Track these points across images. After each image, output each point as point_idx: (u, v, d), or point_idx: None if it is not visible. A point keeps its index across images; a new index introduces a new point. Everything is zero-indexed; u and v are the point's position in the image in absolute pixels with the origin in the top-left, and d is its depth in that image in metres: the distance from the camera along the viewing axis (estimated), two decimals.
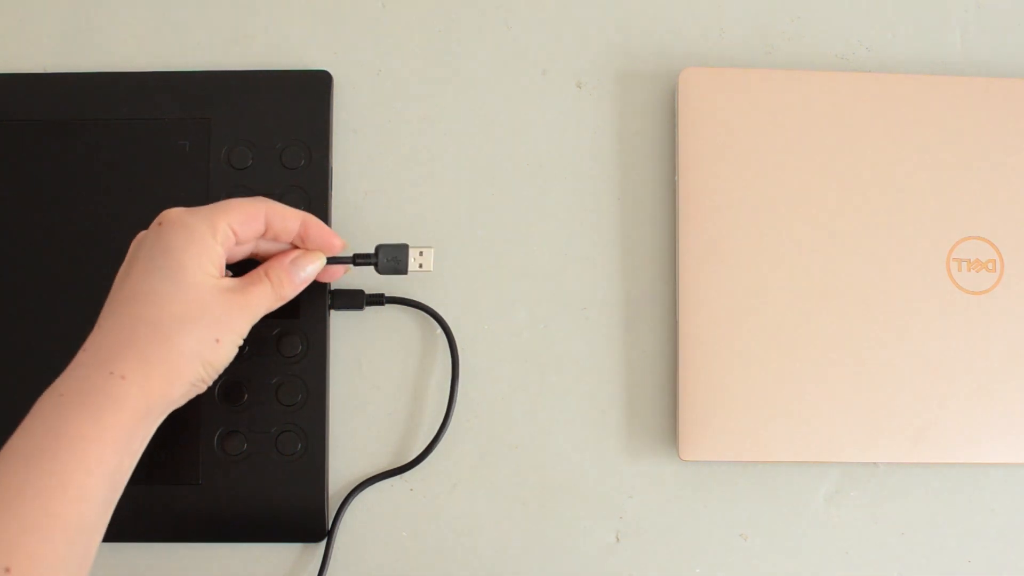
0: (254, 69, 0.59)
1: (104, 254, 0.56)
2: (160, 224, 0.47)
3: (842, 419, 0.55)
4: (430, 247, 0.53)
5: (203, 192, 0.56)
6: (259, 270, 0.49)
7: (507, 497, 0.56)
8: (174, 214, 0.47)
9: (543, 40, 0.60)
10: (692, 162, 0.56)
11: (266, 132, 0.57)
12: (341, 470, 0.56)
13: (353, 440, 0.56)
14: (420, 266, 0.53)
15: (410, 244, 0.53)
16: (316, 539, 0.55)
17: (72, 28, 0.60)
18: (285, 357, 0.55)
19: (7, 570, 0.39)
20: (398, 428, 0.57)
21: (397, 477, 0.56)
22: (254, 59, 0.60)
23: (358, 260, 0.52)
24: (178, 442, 0.55)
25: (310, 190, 0.57)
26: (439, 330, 0.57)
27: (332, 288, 0.56)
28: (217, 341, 0.46)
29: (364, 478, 0.56)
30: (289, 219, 0.50)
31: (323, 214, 0.56)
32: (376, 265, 0.52)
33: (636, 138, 0.59)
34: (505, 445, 0.57)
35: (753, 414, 0.54)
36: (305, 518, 0.55)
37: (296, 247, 0.51)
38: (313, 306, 0.55)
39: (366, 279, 0.56)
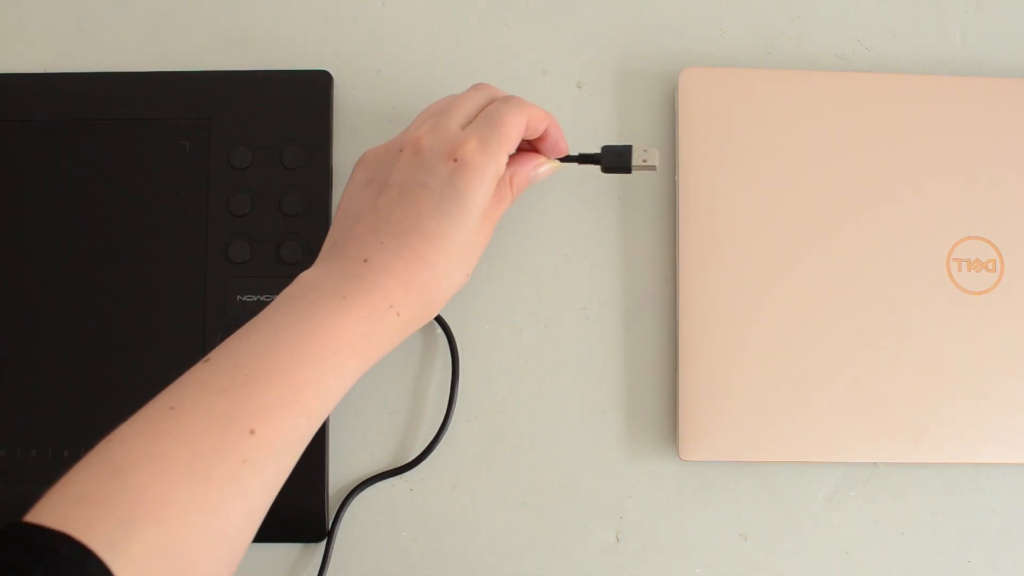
0: (254, 69, 0.59)
1: (105, 254, 0.56)
2: (456, 161, 0.47)
3: (842, 419, 0.55)
4: (655, 147, 0.54)
5: (203, 192, 0.56)
6: (505, 182, 0.50)
7: (507, 497, 0.56)
8: (472, 155, 0.47)
9: (543, 40, 0.60)
10: (692, 162, 0.56)
11: (266, 132, 0.57)
12: (341, 470, 0.56)
13: (353, 440, 0.56)
14: (644, 161, 0.53)
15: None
16: (316, 539, 0.55)
17: (72, 28, 0.60)
18: None
19: (252, 432, 0.40)
20: (398, 428, 0.57)
21: (397, 477, 0.56)
22: (254, 59, 0.60)
23: (584, 159, 0.54)
24: None
25: (310, 190, 0.57)
26: (439, 330, 0.57)
27: None
28: (467, 276, 0.49)
29: (364, 478, 0.56)
30: (540, 125, 0.51)
31: (323, 214, 0.57)
32: (601, 164, 0.53)
33: (636, 138, 0.59)
34: (505, 445, 0.57)
35: (753, 414, 0.54)
36: (305, 518, 0.55)
37: (530, 146, 0.53)
38: None
39: None
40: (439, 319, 0.57)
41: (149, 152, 0.57)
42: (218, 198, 0.56)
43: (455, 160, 0.47)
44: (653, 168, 0.53)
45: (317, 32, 0.60)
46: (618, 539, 0.56)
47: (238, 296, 0.55)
